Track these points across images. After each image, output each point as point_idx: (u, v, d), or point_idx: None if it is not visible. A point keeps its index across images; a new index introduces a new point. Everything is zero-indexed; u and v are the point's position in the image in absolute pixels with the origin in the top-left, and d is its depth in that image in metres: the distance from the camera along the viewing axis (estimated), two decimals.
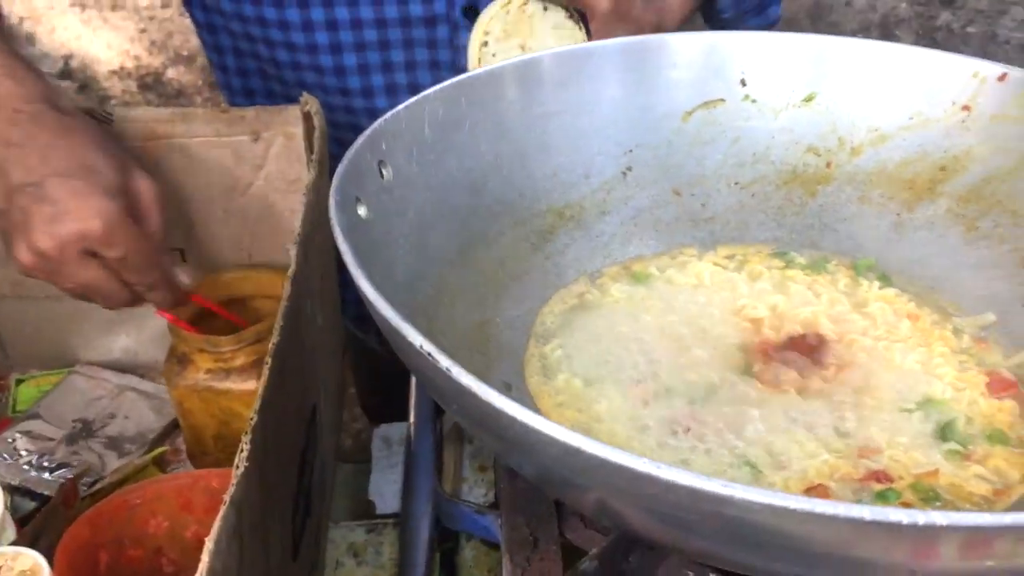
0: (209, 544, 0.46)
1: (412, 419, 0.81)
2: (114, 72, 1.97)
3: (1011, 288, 0.68)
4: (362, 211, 0.57)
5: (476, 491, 0.95)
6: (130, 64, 1.98)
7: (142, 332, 0.94)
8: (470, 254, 0.65)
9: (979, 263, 0.70)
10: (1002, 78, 0.71)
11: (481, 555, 0.87)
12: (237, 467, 0.50)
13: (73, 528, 0.65)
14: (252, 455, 0.51)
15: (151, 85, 1.98)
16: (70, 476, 0.78)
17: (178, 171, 0.84)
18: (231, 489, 0.49)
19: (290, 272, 0.63)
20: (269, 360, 0.57)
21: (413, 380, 0.83)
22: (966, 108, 0.72)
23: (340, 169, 0.56)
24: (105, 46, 1.94)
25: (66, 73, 1.98)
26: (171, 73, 2.01)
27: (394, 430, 0.99)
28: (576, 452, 0.37)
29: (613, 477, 0.37)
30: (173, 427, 0.88)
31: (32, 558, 0.60)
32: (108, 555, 0.66)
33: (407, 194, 0.62)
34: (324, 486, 0.78)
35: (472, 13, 0.83)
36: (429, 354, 0.41)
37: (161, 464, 0.84)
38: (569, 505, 0.56)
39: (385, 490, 0.94)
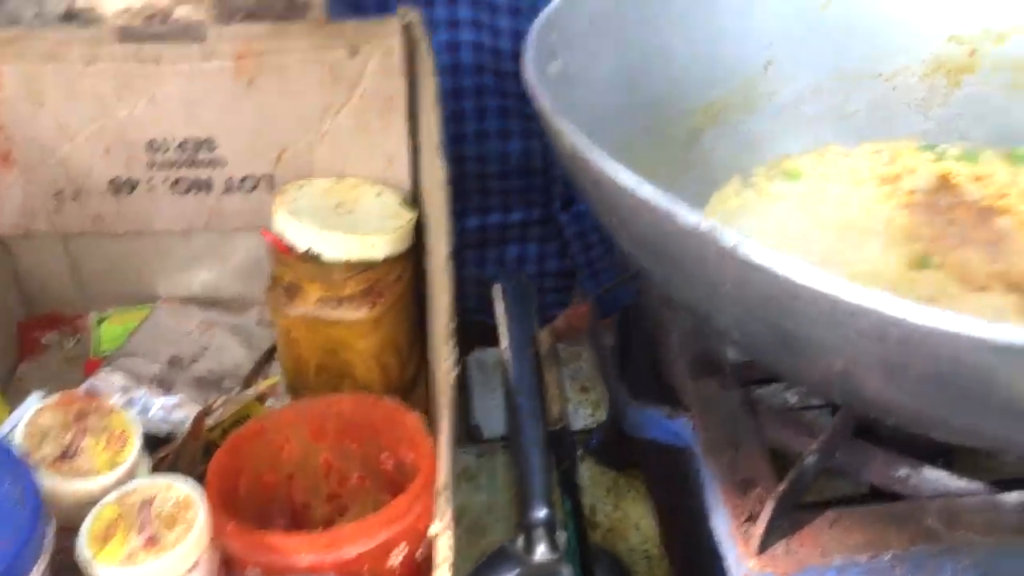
0: None
1: (505, 344, 0.74)
2: (121, 12, 1.89)
3: None
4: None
5: (582, 411, 0.93)
6: (137, 3, 1.90)
7: (225, 265, 0.90)
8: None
9: None
10: None
11: (597, 475, 0.85)
12: None
13: (219, 455, 0.63)
14: None
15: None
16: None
17: (271, 92, 0.79)
18: None
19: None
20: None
21: (499, 307, 0.74)
22: None
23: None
24: None
25: (70, 15, 1.90)
26: (180, 11, 1.93)
27: (488, 355, 0.97)
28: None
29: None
30: (264, 361, 0.85)
31: (184, 488, 0.58)
32: (247, 481, 0.65)
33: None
34: None
35: None
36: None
37: (260, 398, 0.81)
38: (786, 378, 0.53)
39: (490, 415, 0.91)
